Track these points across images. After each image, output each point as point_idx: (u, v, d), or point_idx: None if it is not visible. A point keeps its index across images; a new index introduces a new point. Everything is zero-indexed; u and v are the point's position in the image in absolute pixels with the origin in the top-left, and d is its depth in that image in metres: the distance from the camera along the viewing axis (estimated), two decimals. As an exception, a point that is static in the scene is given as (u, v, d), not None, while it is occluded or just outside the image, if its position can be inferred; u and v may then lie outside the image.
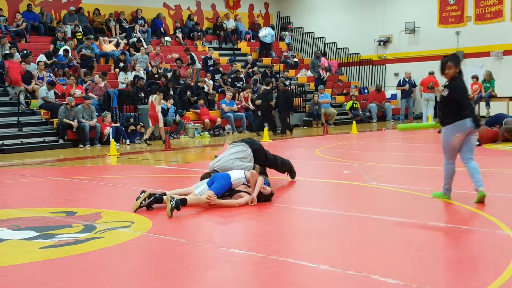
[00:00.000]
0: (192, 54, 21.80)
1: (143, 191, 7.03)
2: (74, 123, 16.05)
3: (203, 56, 23.14)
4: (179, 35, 24.55)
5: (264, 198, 7.18)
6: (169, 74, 20.50)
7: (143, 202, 6.90)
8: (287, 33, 27.66)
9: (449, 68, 6.87)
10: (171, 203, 6.49)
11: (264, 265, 4.69)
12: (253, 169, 7.80)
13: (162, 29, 24.31)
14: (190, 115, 19.30)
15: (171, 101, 18.30)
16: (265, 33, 25.33)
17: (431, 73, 21.12)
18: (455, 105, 6.79)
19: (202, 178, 7.77)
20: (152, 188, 8.02)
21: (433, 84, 20.81)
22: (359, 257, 4.87)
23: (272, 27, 26.65)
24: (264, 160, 8.44)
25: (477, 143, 12.77)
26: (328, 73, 24.46)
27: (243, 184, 7.27)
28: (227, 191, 7.19)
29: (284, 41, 27.38)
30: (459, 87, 6.83)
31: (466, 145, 6.86)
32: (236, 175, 7.30)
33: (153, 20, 24.35)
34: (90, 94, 17.78)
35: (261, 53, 25.72)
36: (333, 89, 24.27)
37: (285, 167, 8.84)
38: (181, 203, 6.63)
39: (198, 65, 21.65)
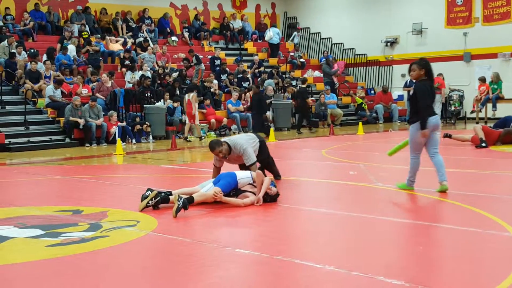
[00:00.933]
0: (197, 54, 21.76)
1: (149, 189, 7.04)
2: (81, 121, 16.09)
3: (209, 56, 23.16)
4: (186, 35, 24.58)
5: (269, 199, 7.18)
6: (175, 74, 20.52)
7: (150, 201, 6.91)
8: (296, 33, 27.60)
9: (413, 70, 7.59)
10: (178, 203, 6.49)
11: (269, 266, 4.69)
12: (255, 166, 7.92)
13: (168, 29, 24.33)
14: (196, 115, 19.29)
15: (177, 103, 18.45)
16: (270, 35, 25.32)
17: (439, 75, 21.12)
18: (419, 104, 7.46)
19: (210, 144, 8.04)
20: (158, 188, 8.04)
21: (438, 85, 20.78)
22: (365, 258, 4.86)
23: (275, 26, 26.67)
24: (267, 156, 8.59)
25: (484, 144, 12.85)
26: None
27: (249, 184, 7.28)
28: (233, 190, 7.19)
29: (293, 41, 27.32)
30: (421, 89, 7.48)
31: (430, 141, 7.56)
32: (242, 174, 7.34)
33: (159, 19, 24.39)
34: (97, 94, 17.81)
35: (271, 54, 25.76)
36: (339, 89, 24.24)
37: (276, 168, 8.96)
38: (188, 202, 6.64)
39: (203, 66, 21.58)
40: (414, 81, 7.89)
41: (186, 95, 17.48)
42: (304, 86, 20.59)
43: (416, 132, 7.46)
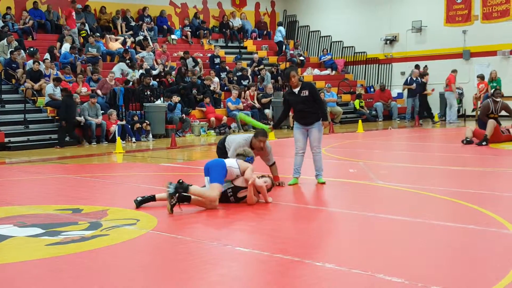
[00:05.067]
0: (192, 57, 21.56)
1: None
2: (81, 119, 16.09)
3: (209, 54, 23.13)
4: (188, 33, 24.56)
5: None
6: (174, 73, 20.50)
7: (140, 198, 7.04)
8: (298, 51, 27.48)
9: (293, 77, 8.15)
10: (172, 200, 6.52)
11: (269, 264, 4.69)
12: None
13: (167, 27, 24.25)
14: (196, 113, 19.30)
15: (178, 98, 18.43)
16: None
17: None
18: (316, 103, 8.15)
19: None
20: (157, 187, 8.05)
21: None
22: (364, 255, 4.86)
23: (280, 24, 26.72)
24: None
25: (484, 142, 12.83)
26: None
27: (238, 176, 7.14)
28: (230, 188, 7.10)
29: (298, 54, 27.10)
30: (315, 89, 8.30)
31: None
32: (230, 162, 7.19)
33: (157, 17, 24.32)
34: (98, 91, 17.78)
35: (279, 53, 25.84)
36: (339, 87, 24.22)
37: None
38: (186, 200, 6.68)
39: (196, 67, 21.43)
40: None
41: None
42: (424, 80, 21.47)
43: (322, 130, 8.31)
